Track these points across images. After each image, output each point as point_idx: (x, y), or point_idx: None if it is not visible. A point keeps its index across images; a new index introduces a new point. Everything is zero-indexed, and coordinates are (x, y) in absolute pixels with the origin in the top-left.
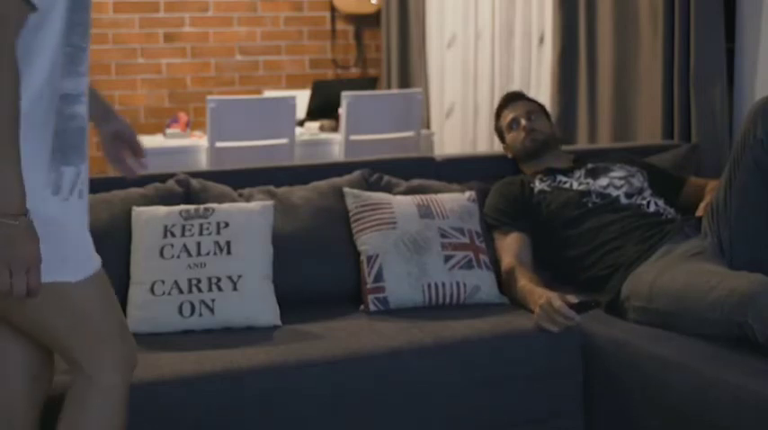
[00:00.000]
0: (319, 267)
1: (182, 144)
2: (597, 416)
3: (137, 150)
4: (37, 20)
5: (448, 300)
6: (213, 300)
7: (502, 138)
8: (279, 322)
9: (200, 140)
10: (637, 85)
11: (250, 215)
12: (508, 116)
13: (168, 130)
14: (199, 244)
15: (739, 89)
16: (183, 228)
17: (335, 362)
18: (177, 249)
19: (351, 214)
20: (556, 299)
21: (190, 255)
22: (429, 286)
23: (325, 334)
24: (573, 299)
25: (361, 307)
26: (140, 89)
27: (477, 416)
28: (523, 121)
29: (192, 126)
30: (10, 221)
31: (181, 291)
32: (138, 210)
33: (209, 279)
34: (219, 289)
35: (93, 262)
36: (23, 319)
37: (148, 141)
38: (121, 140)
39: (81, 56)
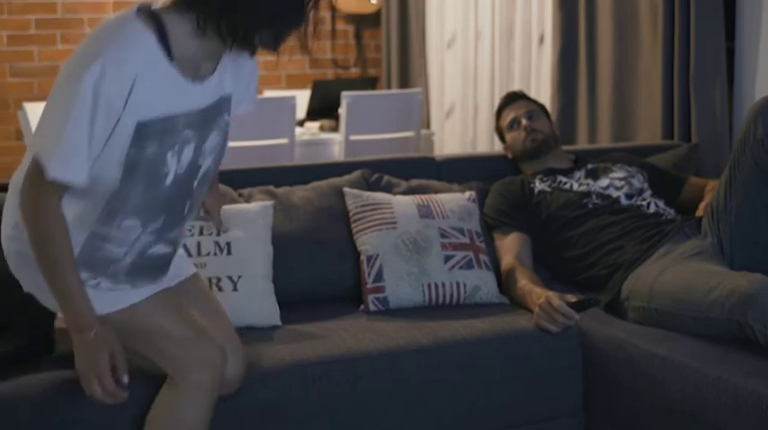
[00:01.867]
0: (319, 267)
1: None
2: (597, 416)
3: (214, 220)
4: (85, 189)
5: (448, 300)
6: None
7: (502, 139)
8: (279, 322)
9: None
10: (637, 85)
11: (250, 215)
12: (508, 116)
13: None
14: (199, 244)
15: (739, 89)
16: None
17: (335, 362)
18: None
19: (351, 214)
20: (555, 298)
21: (190, 255)
22: (429, 286)
23: (325, 334)
24: (572, 298)
25: (361, 307)
26: None
27: (476, 416)
28: (524, 121)
29: None
30: (81, 336)
31: None
32: None
33: (210, 279)
34: (219, 289)
35: (132, 297)
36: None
37: None
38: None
39: (117, 218)
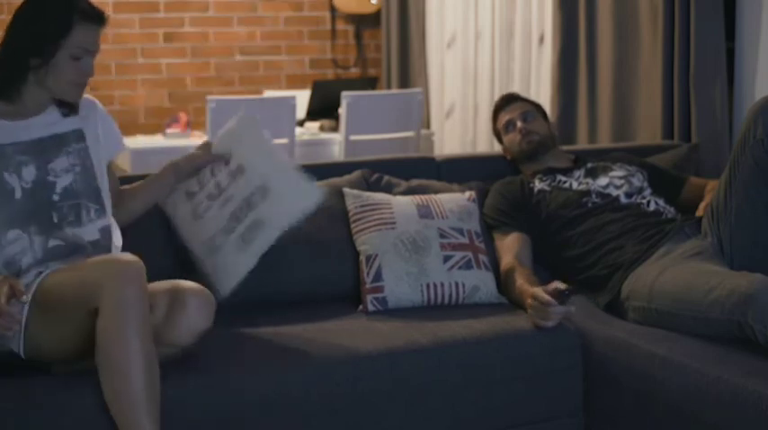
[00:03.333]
0: (319, 267)
1: (182, 144)
2: (597, 416)
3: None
4: None
5: (447, 300)
6: (251, 216)
7: (500, 141)
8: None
9: (200, 140)
10: (637, 85)
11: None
12: (504, 118)
13: (168, 130)
14: (218, 183)
15: (739, 89)
16: (199, 181)
17: (334, 363)
18: (204, 197)
19: (350, 214)
20: (539, 291)
21: (215, 198)
22: (428, 286)
23: (325, 334)
24: (560, 285)
25: (360, 307)
26: (140, 89)
27: (476, 416)
28: (519, 123)
29: (191, 126)
30: None
31: (232, 223)
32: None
33: (241, 202)
34: (252, 204)
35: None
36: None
37: (148, 141)
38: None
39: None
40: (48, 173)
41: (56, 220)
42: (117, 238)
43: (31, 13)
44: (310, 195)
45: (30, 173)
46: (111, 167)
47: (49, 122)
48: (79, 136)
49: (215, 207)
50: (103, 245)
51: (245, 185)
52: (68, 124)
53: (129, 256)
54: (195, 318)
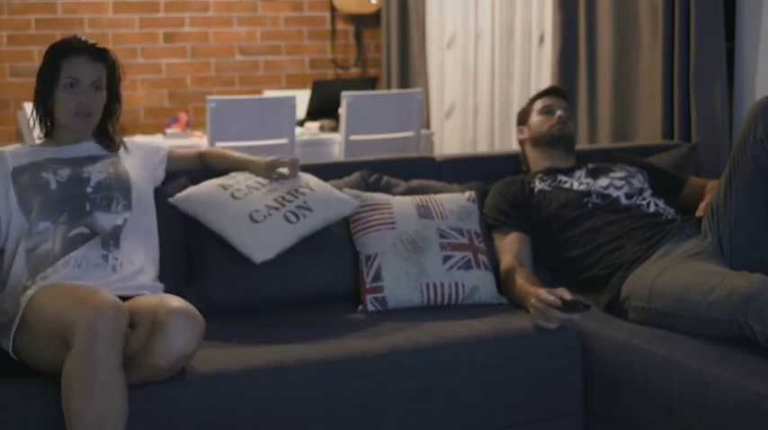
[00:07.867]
0: (319, 267)
1: (182, 144)
2: (597, 416)
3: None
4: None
5: (446, 300)
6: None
7: (522, 121)
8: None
9: (200, 140)
10: (637, 85)
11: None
12: (544, 103)
13: (168, 130)
14: (261, 182)
15: (739, 89)
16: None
17: (334, 363)
18: (243, 187)
19: (350, 214)
20: (544, 294)
21: (256, 190)
22: (427, 286)
23: (325, 334)
24: (564, 292)
25: (360, 307)
26: (140, 89)
27: (477, 416)
28: (560, 112)
29: (192, 126)
30: None
31: (277, 208)
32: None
33: (288, 191)
34: (300, 193)
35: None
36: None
37: (148, 141)
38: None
39: (33, 227)
40: (82, 172)
41: (88, 209)
42: (149, 260)
43: (41, 67)
44: (347, 203)
45: (65, 172)
46: (173, 160)
47: (85, 148)
48: (113, 156)
49: (257, 193)
50: (123, 233)
51: (291, 183)
52: (103, 150)
53: (106, 296)
54: (175, 342)
